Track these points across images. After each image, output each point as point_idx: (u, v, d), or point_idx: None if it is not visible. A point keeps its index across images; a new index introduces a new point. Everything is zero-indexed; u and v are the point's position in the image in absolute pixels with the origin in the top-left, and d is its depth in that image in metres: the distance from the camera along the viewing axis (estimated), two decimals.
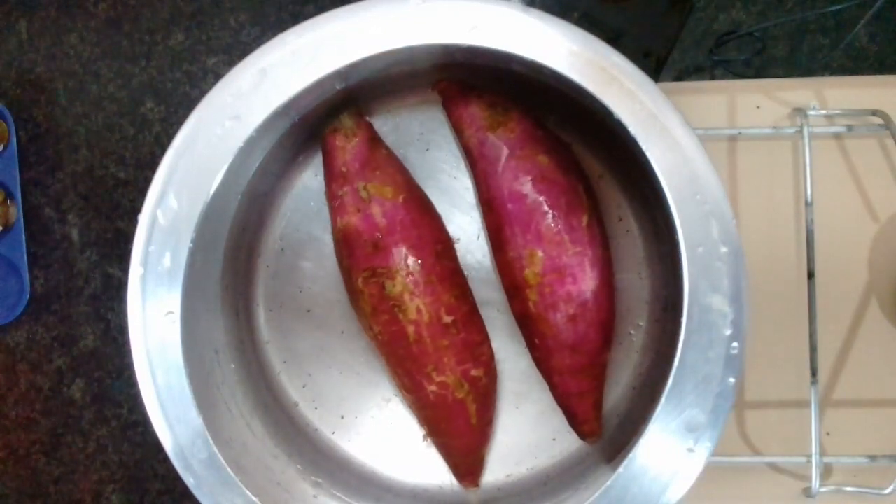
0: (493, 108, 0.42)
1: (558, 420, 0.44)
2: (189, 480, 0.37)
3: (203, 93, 0.37)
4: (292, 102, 0.37)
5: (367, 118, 0.44)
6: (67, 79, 0.58)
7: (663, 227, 0.38)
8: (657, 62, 0.50)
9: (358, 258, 0.41)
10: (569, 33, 0.36)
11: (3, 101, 0.58)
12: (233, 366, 0.42)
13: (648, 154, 0.35)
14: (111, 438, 0.58)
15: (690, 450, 0.35)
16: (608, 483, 0.36)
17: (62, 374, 0.58)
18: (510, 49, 0.36)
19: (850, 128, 0.47)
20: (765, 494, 0.47)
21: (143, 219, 0.37)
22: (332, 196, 0.42)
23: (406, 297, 0.40)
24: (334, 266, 0.44)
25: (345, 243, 0.41)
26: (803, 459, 0.45)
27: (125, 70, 0.58)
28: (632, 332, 0.44)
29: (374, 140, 0.43)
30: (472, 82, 0.42)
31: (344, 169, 0.42)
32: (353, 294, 0.42)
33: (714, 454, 0.35)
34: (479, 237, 0.45)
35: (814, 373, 0.44)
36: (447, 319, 0.41)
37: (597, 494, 0.36)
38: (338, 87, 0.39)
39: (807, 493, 0.45)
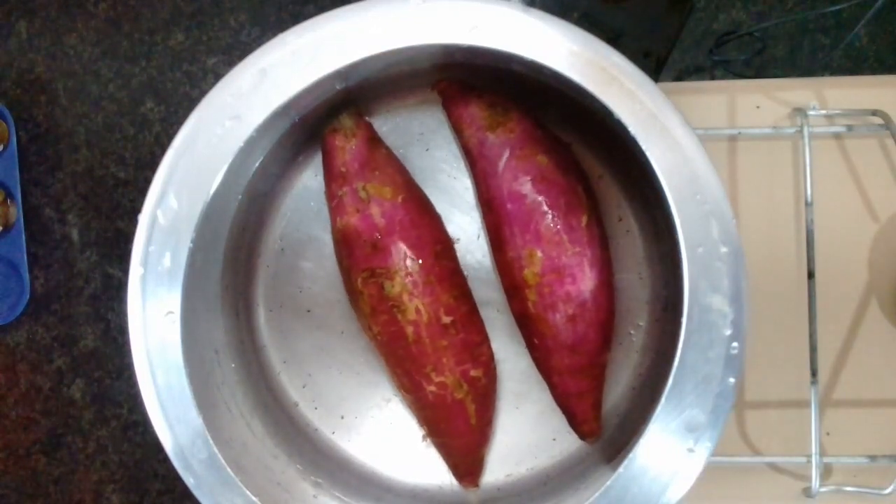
0: (492, 108, 0.42)
1: (558, 420, 0.44)
2: (189, 480, 0.37)
3: (203, 93, 0.37)
4: (292, 102, 0.37)
5: (367, 118, 0.44)
6: (67, 79, 0.58)
7: (663, 227, 0.38)
8: (657, 62, 0.50)
9: (357, 258, 0.41)
10: (569, 33, 0.36)
11: (3, 101, 0.59)
12: (233, 366, 0.42)
13: (648, 154, 0.35)
14: (111, 438, 0.58)
15: (690, 450, 0.35)
16: (608, 483, 0.36)
17: (62, 374, 0.58)
18: (510, 49, 0.36)
19: (850, 128, 0.47)
20: (765, 494, 0.47)
21: (143, 219, 0.37)
22: (331, 196, 0.42)
23: (405, 297, 0.40)
24: (334, 266, 0.44)
25: (344, 243, 0.41)
26: (803, 459, 0.45)
27: (125, 70, 0.58)
28: (632, 332, 0.44)
29: (374, 140, 0.43)
30: (472, 82, 0.42)
31: (343, 169, 0.41)
32: (353, 294, 0.42)
33: (714, 454, 0.35)
34: (478, 237, 0.45)
35: (814, 373, 0.44)
36: (446, 320, 0.41)
37: (597, 494, 0.36)
38: (338, 87, 0.39)
39: (807, 493, 0.45)
